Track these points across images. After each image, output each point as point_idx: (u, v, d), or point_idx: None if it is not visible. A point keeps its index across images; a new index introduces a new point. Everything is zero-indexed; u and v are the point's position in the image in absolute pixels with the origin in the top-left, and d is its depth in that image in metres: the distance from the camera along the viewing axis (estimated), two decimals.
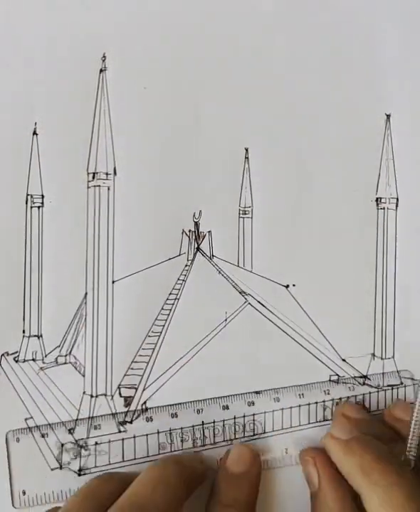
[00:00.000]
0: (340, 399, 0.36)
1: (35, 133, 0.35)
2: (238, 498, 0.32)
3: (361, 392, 0.36)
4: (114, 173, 0.35)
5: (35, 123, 0.35)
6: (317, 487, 0.32)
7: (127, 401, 0.35)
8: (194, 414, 0.35)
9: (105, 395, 0.34)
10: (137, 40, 0.36)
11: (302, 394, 0.35)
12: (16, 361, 0.34)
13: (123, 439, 0.34)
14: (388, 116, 0.36)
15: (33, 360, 0.34)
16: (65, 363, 0.35)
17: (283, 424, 0.35)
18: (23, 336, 0.34)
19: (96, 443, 0.34)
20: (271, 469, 0.35)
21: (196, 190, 0.36)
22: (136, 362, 0.35)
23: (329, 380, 0.35)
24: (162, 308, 0.35)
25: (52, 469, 0.34)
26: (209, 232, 0.36)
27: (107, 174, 0.35)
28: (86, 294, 0.35)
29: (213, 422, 0.35)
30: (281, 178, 0.36)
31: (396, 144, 0.36)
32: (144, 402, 0.35)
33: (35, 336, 0.35)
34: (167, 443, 0.35)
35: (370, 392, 0.36)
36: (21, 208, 0.35)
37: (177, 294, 0.35)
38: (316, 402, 0.35)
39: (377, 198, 0.36)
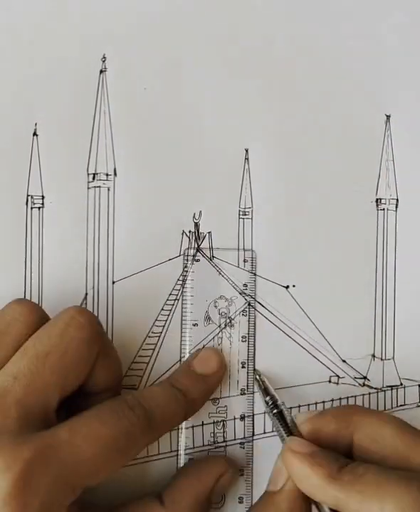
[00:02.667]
0: (340, 399, 0.36)
1: (35, 134, 0.35)
2: (189, 389, 0.32)
3: (361, 393, 0.36)
4: (115, 173, 0.35)
5: (36, 124, 0.35)
6: (278, 488, 0.30)
7: None
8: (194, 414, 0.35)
9: None
10: (137, 41, 0.36)
11: (302, 394, 0.35)
12: None
13: None
14: (388, 116, 0.36)
15: None
16: None
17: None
18: None
19: None
20: None
21: (196, 191, 0.36)
22: (136, 362, 0.35)
23: (329, 381, 0.35)
24: (162, 309, 0.35)
25: None
26: (209, 232, 0.36)
27: (107, 175, 0.35)
28: (86, 294, 0.35)
29: (213, 423, 0.35)
30: (281, 178, 0.36)
31: (396, 144, 0.36)
32: None
33: None
34: (167, 442, 0.35)
35: (370, 393, 0.36)
36: (21, 208, 0.35)
37: (177, 295, 0.35)
38: (315, 403, 0.35)
39: (377, 199, 0.36)
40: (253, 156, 0.36)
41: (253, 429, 0.35)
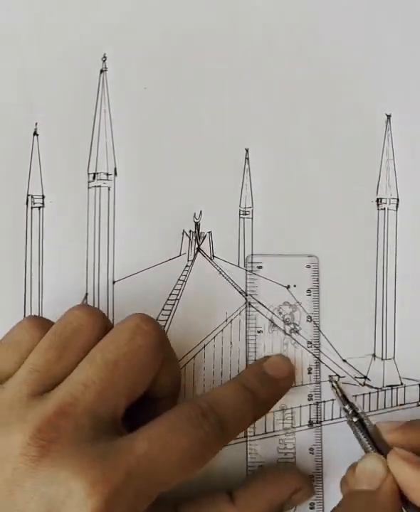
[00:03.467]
0: None
1: (35, 133, 0.35)
2: (260, 390, 0.31)
3: (362, 393, 0.36)
4: (115, 173, 0.35)
5: (36, 123, 0.35)
6: (375, 487, 0.30)
7: None
8: None
9: None
10: (137, 41, 0.36)
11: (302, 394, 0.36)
12: None
13: None
14: (388, 116, 0.36)
15: None
16: None
17: (284, 424, 0.35)
18: None
19: None
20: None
21: (197, 191, 0.36)
22: None
23: (329, 381, 0.35)
24: (163, 309, 0.35)
25: None
26: (210, 232, 0.36)
27: (107, 174, 0.35)
28: (86, 294, 0.35)
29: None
30: (281, 178, 0.36)
31: (396, 144, 0.36)
32: None
33: None
34: None
35: (370, 393, 0.36)
36: (21, 208, 0.35)
37: (178, 295, 0.35)
38: (316, 403, 0.35)
39: (377, 199, 0.36)
40: (253, 156, 0.36)
41: (322, 436, 0.35)
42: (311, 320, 0.35)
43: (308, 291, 0.36)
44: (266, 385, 0.32)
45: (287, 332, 0.35)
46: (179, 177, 0.36)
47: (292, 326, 0.35)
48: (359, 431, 0.32)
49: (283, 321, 0.35)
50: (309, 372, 0.35)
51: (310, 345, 0.35)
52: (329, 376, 0.35)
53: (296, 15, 0.37)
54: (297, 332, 0.35)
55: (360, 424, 0.32)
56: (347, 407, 0.32)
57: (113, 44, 0.36)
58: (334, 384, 0.33)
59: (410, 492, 0.29)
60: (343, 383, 0.34)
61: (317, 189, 0.36)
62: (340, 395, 0.33)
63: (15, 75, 0.36)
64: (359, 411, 0.32)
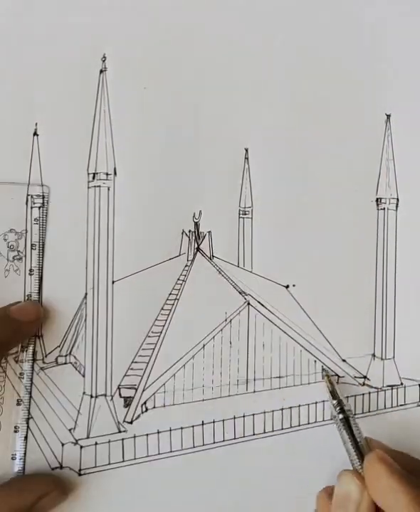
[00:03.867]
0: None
1: (35, 133, 0.35)
2: None
3: (361, 393, 0.36)
4: (115, 173, 0.35)
5: (36, 123, 0.35)
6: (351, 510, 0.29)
7: (127, 401, 0.35)
8: (194, 414, 0.35)
9: (105, 395, 0.34)
10: (137, 41, 0.36)
11: (302, 394, 0.35)
12: (16, 361, 0.34)
13: (123, 439, 0.34)
14: (388, 116, 0.36)
15: (34, 360, 0.34)
16: (65, 363, 0.35)
17: (283, 423, 0.35)
18: None
19: (96, 443, 0.34)
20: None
21: (196, 191, 0.36)
22: (136, 362, 0.35)
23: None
24: (162, 309, 0.35)
25: (53, 469, 0.34)
26: (209, 232, 0.36)
27: (107, 174, 0.35)
28: (86, 294, 0.35)
29: (213, 422, 0.35)
30: (281, 178, 0.36)
31: (396, 144, 0.36)
32: (144, 403, 0.35)
33: (35, 336, 0.35)
34: (167, 443, 0.35)
35: (370, 393, 0.36)
36: (21, 208, 0.35)
37: (177, 294, 0.35)
38: (315, 402, 0.35)
39: (377, 199, 0.36)
40: (252, 156, 0.36)
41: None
42: (36, 248, 0.34)
43: (308, 291, 0.36)
44: (6, 327, 0.33)
45: (10, 259, 0.34)
46: (178, 177, 0.36)
47: (16, 252, 0.34)
48: (343, 429, 0.31)
49: (8, 247, 0.34)
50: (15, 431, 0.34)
51: (31, 272, 0.35)
52: (323, 369, 0.34)
53: (296, 15, 0.37)
54: (20, 259, 0.34)
55: (345, 421, 0.32)
56: (334, 402, 0.32)
57: (113, 44, 0.36)
58: (327, 378, 0.33)
59: (382, 498, 0.29)
60: (341, 382, 0.34)
61: (316, 189, 0.36)
62: (330, 389, 0.33)
63: (15, 75, 0.36)
64: (347, 408, 0.32)
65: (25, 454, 0.33)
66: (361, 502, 0.29)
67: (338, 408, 0.32)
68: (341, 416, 0.32)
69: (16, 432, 0.33)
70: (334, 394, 0.33)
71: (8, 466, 0.33)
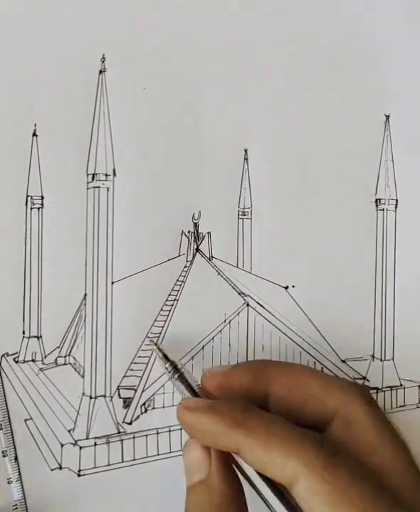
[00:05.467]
0: None
1: (35, 134, 0.35)
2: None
3: None
4: (114, 174, 0.35)
5: (35, 124, 0.35)
6: (205, 474, 0.29)
7: (126, 402, 0.35)
8: None
9: (104, 396, 0.34)
10: (136, 41, 0.36)
11: None
12: (16, 362, 0.34)
13: (122, 440, 0.34)
14: (387, 116, 0.36)
15: (33, 361, 0.34)
16: (65, 364, 0.35)
17: None
18: (23, 337, 0.34)
19: (95, 444, 0.34)
20: None
21: (196, 192, 0.36)
22: (135, 363, 0.35)
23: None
24: (161, 310, 0.35)
25: (52, 469, 0.34)
26: (208, 233, 0.36)
27: (106, 175, 0.35)
28: (85, 294, 0.35)
29: None
30: (280, 179, 0.36)
31: (395, 145, 0.36)
32: (144, 403, 0.35)
33: (34, 336, 0.35)
34: (167, 443, 0.35)
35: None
36: (20, 209, 0.35)
37: (176, 295, 0.35)
38: None
39: (377, 199, 0.36)
40: (252, 156, 0.36)
41: None
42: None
43: (308, 292, 0.35)
44: None
45: None
46: (177, 178, 0.36)
47: None
48: (183, 386, 0.32)
49: None
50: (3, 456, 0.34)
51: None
52: (150, 339, 0.34)
53: (296, 16, 0.36)
54: None
55: (181, 378, 0.32)
56: (167, 365, 0.32)
57: (112, 45, 0.36)
58: (155, 345, 0.33)
59: (202, 439, 0.29)
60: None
61: (316, 190, 0.36)
62: (161, 354, 0.33)
63: (15, 75, 0.36)
64: (179, 366, 0.32)
65: (20, 476, 0.33)
66: (210, 461, 0.29)
67: (173, 369, 0.32)
68: (177, 375, 0.32)
69: (4, 456, 0.33)
70: (167, 358, 0.33)
71: (6, 492, 0.33)
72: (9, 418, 0.34)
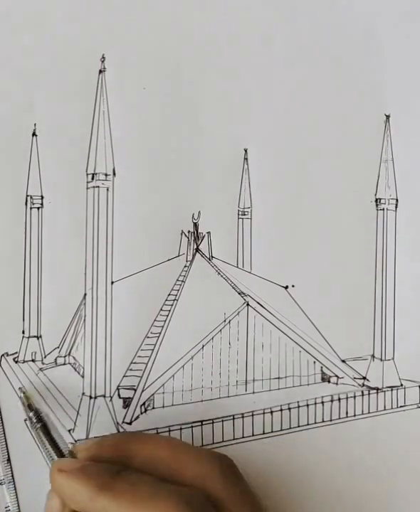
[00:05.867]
0: (339, 400, 0.36)
1: (34, 134, 0.35)
2: None
3: (361, 394, 0.36)
4: (114, 173, 0.35)
5: (35, 124, 0.35)
6: None
7: (126, 402, 0.35)
8: (193, 414, 0.35)
9: (104, 396, 0.34)
10: (136, 41, 0.36)
11: (302, 395, 0.35)
12: (16, 362, 0.34)
13: None
14: (387, 116, 0.36)
15: (33, 360, 0.34)
16: (65, 364, 0.35)
17: (282, 424, 0.35)
18: (23, 337, 0.34)
19: None
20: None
21: (195, 191, 0.36)
22: (135, 363, 0.35)
23: (328, 381, 0.35)
24: (161, 309, 0.35)
25: None
26: (208, 233, 0.36)
27: (106, 175, 0.35)
28: (85, 294, 0.35)
29: (212, 422, 0.35)
30: (280, 179, 0.36)
31: (395, 144, 0.36)
32: (143, 403, 0.35)
33: (34, 336, 0.35)
34: None
35: (369, 394, 0.36)
36: (20, 208, 0.35)
37: (176, 295, 0.35)
38: (315, 403, 0.35)
39: (377, 199, 0.36)
40: (252, 156, 0.36)
41: None
42: None
43: (308, 291, 0.35)
44: None
45: None
46: (177, 177, 0.36)
47: None
48: (43, 437, 0.31)
49: None
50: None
51: None
52: (19, 388, 0.34)
53: (296, 16, 0.37)
54: None
55: (44, 428, 0.31)
56: (31, 414, 0.32)
57: (112, 44, 0.36)
58: (23, 394, 0.33)
59: (72, 504, 0.28)
60: (340, 383, 0.34)
61: (316, 189, 0.36)
62: (26, 403, 0.32)
63: (15, 75, 0.36)
64: (42, 414, 0.32)
65: (13, 478, 0.33)
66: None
67: (35, 418, 0.32)
68: (39, 424, 0.31)
69: (1, 484, 0.33)
70: (30, 406, 0.32)
71: None
72: (2, 420, 0.34)
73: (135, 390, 0.35)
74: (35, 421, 0.32)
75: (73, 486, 0.28)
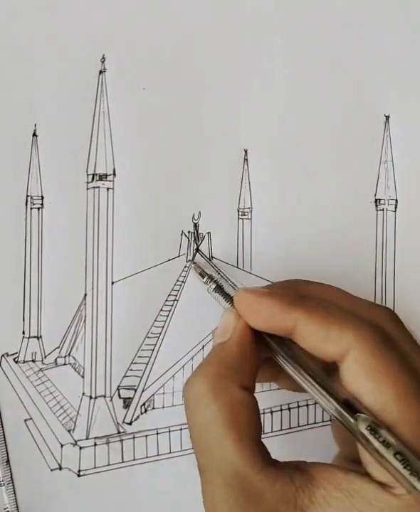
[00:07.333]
0: None
1: (34, 134, 0.35)
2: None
3: None
4: (114, 174, 0.35)
5: (35, 124, 0.35)
6: (227, 338, 0.29)
7: (126, 402, 0.35)
8: None
9: (104, 396, 0.34)
10: (136, 41, 0.36)
11: (301, 395, 0.35)
12: (16, 362, 0.34)
13: (122, 440, 0.34)
14: (387, 117, 0.36)
15: (33, 361, 0.35)
16: (65, 364, 0.35)
17: (282, 424, 0.35)
18: (23, 337, 0.34)
19: (95, 444, 0.34)
20: None
21: (196, 192, 0.36)
22: (135, 363, 0.35)
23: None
24: (161, 310, 0.35)
25: (52, 470, 0.34)
26: (208, 233, 0.36)
27: (106, 175, 0.35)
28: (85, 295, 0.35)
29: None
30: (280, 179, 0.36)
31: (395, 145, 0.36)
32: (144, 404, 0.35)
33: (34, 336, 0.35)
34: (167, 444, 0.35)
35: None
36: (20, 208, 0.35)
37: (176, 295, 0.35)
38: (315, 403, 0.35)
39: (376, 200, 0.36)
40: (252, 157, 0.36)
41: None
42: None
43: None
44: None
45: None
46: (177, 178, 0.36)
47: None
48: (220, 296, 0.32)
49: None
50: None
51: None
52: (188, 260, 0.35)
53: (295, 16, 0.37)
54: None
55: (219, 288, 0.32)
56: (205, 279, 0.33)
57: (112, 45, 0.36)
58: (194, 264, 0.34)
59: (255, 320, 0.29)
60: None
61: (315, 190, 0.36)
62: (199, 271, 0.33)
63: (14, 75, 0.36)
64: (216, 277, 0.33)
65: (12, 479, 0.33)
66: (237, 325, 0.29)
67: (211, 281, 0.32)
68: (214, 285, 0.32)
69: (0, 486, 0.33)
70: (204, 274, 0.33)
71: None
72: (1, 421, 0.34)
73: (135, 390, 0.35)
74: (211, 286, 0.32)
75: (263, 301, 0.28)
